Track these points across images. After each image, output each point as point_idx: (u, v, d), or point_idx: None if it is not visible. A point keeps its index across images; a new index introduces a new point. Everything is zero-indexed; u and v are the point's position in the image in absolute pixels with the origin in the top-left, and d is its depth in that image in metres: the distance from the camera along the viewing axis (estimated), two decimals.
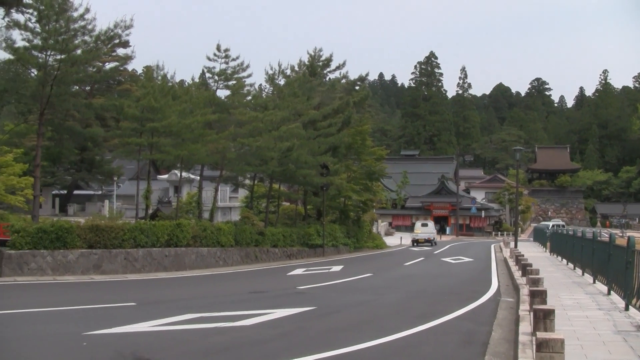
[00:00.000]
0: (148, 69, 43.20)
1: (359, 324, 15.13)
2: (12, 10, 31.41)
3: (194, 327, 13.68)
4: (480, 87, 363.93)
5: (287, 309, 16.57)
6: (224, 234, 33.54)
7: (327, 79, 51.42)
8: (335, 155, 46.07)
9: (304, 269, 32.35)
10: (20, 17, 30.90)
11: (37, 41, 29.32)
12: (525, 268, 22.64)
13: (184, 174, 41.88)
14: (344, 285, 24.83)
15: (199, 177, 42.40)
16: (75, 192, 74.31)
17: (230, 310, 16.30)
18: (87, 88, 57.87)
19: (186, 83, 50.28)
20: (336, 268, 33.22)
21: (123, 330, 13.14)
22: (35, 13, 29.64)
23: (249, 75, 40.50)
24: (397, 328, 13.98)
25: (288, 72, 45.92)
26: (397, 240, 71.87)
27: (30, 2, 30.64)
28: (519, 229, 68.13)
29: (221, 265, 32.91)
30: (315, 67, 49.26)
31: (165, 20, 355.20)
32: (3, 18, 31.83)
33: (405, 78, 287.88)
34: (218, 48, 39.12)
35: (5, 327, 13.39)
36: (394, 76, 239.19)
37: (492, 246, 55.54)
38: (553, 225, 71.33)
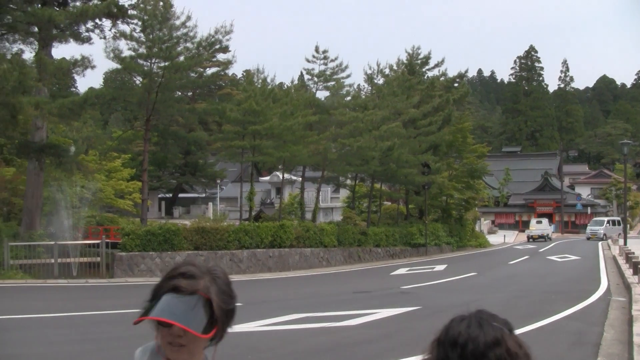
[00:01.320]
0: (248, 73, 43.91)
1: None
2: (118, 22, 32.55)
3: (300, 327, 13.84)
4: (583, 80, 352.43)
5: (392, 309, 16.55)
6: (326, 235, 33.76)
7: (426, 77, 51.01)
8: (436, 154, 45.69)
9: (407, 269, 32.23)
10: (126, 28, 32.01)
11: (142, 50, 30.24)
12: (636, 266, 21.92)
13: (286, 176, 42.35)
14: (447, 284, 24.64)
15: (299, 179, 42.80)
16: (180, 195, 76.18)
17: (334, 310, 16.41)
18: (189, 93, 59.43)
19: (285, 85, 50.87)
20: (439, 267, 32.96)
21: (231, 329, 13.39)
22: (140, 23, 30.60)
23: (348, 76, 40.74)
24: None
25: (387, 71, 45.83)
26: (500, 238, 70.67)
27: (135, 13, 31.68)
28: (628, 225, 65.89)
29: (324, 265, 33.14)
30: (413, 65, 48.96)
31: (263, 23, 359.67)
32: (110, 29, 33.03)
33: (504, 73, 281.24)
34: (317, 49, 39.48)
35: (119, 325, 13.88)
36: (493, 72, 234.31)
37: (600, 243, 53.83)
38: (608, 221, 68.99)
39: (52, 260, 24.97)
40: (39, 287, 21.42)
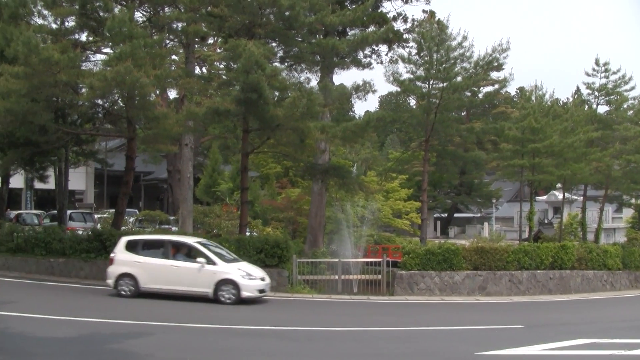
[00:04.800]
0: (522, 90, 43.27)
1: None
2: (394, 46, 33.62)
3: (587, 353, 13.34)
4: None
5: None
6: (610, 257, 32.04)
7: None
8: None
9: None
10: (401, 52, 32.97)
11: (420, 72, 30.94)
12: None
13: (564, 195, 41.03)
14: None
15: (578, 198, 41.33)
16: (455, 215, 76.34)
17: (624, 337, 15.62)
18: (463, 113, 59.58)
19: (560, 101, 49.44)
20: None
21: (513, 352, 13.21)
22: (415, 46, 31.38)
23: (632, 88, 38.61)
24: None
25: None
26: None
27: (410, 37, 32.56)
28: None
29: (608, 289, 31.50)
30: None
31: (533, 37, 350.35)
32: (386, 54, 34.21)
33: None
34: (597, 62, 37.99)
35: (403, 342, 14.22)
36: None
37: None
38: None
39: (336, 277, 26.08)
40: (325, 302, 22.53)
